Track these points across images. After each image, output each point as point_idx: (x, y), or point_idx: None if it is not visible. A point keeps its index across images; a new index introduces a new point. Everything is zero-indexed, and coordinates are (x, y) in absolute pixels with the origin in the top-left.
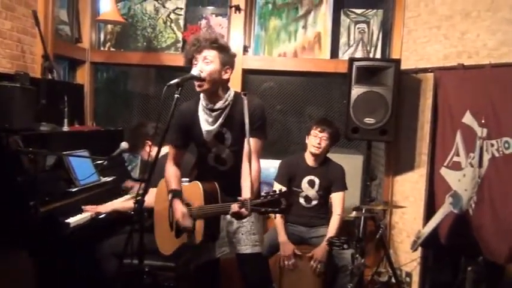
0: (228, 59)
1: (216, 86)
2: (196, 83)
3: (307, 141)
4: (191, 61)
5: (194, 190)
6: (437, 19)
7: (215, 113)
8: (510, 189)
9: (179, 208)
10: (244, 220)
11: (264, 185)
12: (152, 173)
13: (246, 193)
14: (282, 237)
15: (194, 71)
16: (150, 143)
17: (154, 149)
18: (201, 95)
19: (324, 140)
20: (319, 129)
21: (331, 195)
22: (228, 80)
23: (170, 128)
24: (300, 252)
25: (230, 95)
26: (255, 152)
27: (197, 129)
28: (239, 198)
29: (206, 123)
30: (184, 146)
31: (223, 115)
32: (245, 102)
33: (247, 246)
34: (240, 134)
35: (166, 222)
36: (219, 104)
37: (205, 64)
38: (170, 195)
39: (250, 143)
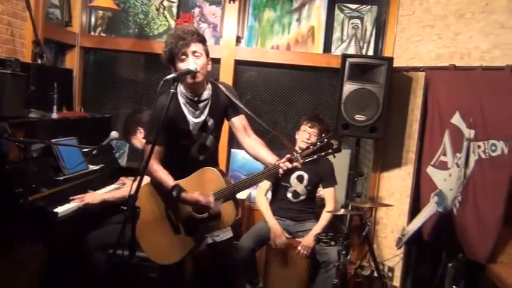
0: (208, 50)
1: (206, 78)
2: (190, 77)
3: (297, 136)
4: (174, 57)
5: (205, 177)
6: (431, 18)
7: (201, 104)
8: (494, 191)
9: (198, 196)
10: None
11: None
12: (146, 168)
13: (272, 157)
14: (271, 221)
15: (190, 66)
16: (141, 130)
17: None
18: (180, 88)
19: (314, 135)
20: (309, 124)
21: (321, 191)
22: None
23: (153, 126)
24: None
25: (209, 84)
26: (249, 126)
27: (182, 122)
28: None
29: (192, 116)
30: (166, 142)
31: (208, 104)
32: (222, 87)
33: (229, 231)
34: (220, 119)
35: (166, 229)
36: (205, 95)
37: (196, 58)
38: (175, 192)
39: (243, 120)
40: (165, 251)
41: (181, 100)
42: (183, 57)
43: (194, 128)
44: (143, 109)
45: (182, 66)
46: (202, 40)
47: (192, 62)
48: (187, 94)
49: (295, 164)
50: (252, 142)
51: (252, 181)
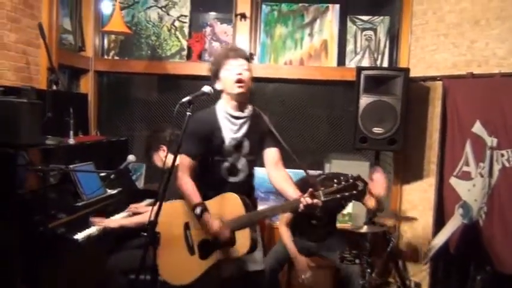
0: (251, 67)
1: (248, 91)
2: (237, 84)
3: None
4: (218, 69)
5: (226, 202)
6: (445, 27)
7: (240, 121)
8: None
9: (213, 221)
10: None
11: (271, 194)
12: (165, 193)
13: (295, 192)
14: (293, 251)
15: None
16: (164, 148)
17: (169, 156)
18: (222, 103)
19: None
20: None
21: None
22: None
23: (186, 138)
24: (313, 264)
25: (250, 106)
26: (281, 160)
27: (217, 137)
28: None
29: (230, 132)
30: (200, 157)
31: (247, 123)
32: (263, 115)
33: (258, 263)
34: (257, 144)
35: (181, 249)
36: (247, 112)
37: (244, 70)
38: (199, 210)
39: (277, 154)
40: (177, 270)
41: (220, 115)
42: (228, 67)
43: (229, 145)
44: (165, 127)
45: (224, 74)
46: (248, 60)
47: (237, 71)
48: (228, 109)
49: (316, 201)
50: (279, 175)
51: (271, 214)
